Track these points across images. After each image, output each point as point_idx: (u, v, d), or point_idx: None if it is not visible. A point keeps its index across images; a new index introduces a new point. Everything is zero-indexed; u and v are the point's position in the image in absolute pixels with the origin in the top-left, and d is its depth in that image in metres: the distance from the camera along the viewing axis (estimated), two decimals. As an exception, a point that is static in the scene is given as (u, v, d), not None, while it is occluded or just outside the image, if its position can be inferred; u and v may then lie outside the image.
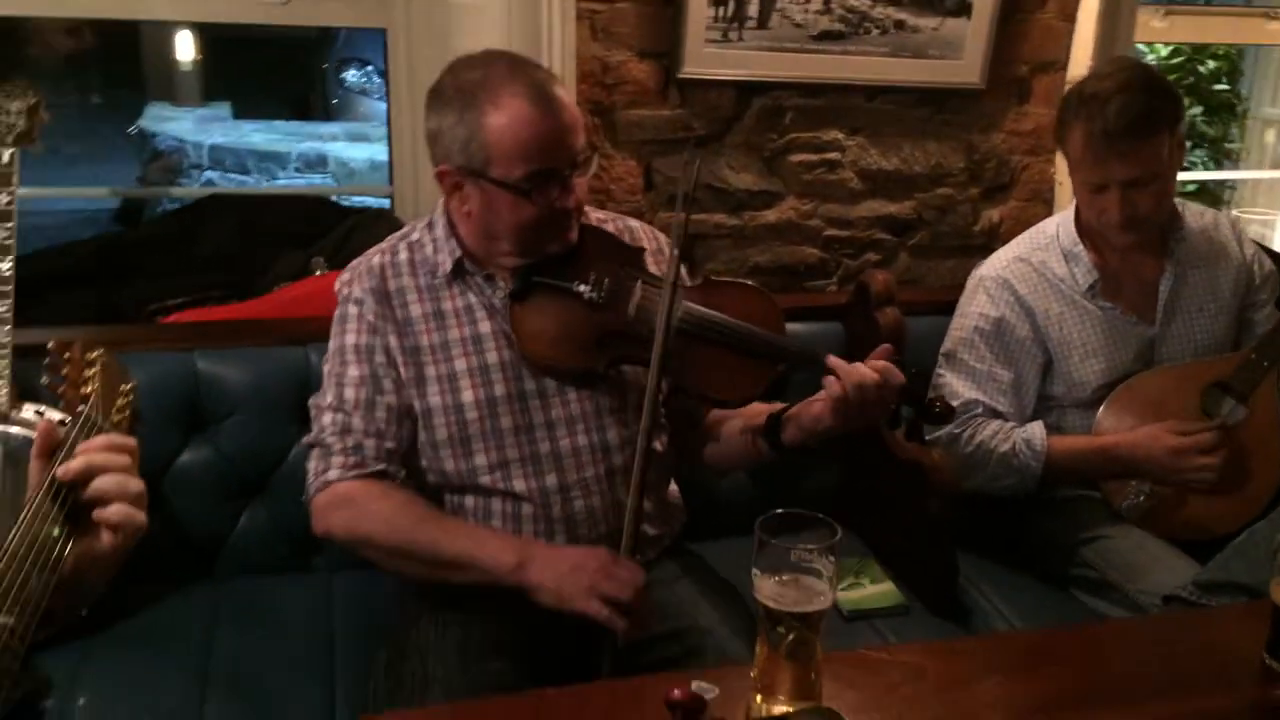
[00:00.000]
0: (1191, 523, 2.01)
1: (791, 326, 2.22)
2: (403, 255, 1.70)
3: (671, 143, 2.39)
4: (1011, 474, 2.03)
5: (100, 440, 1.05)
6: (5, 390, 1.79)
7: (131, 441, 1.07)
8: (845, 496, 2.29)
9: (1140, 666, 1.37)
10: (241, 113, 7.63)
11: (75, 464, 1.01)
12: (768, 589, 1.15)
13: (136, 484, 1.02)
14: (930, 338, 2.19)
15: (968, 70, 2.50)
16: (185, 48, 7.16)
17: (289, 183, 6.74)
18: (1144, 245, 2.07)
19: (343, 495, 1.60)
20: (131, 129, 7.39)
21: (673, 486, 1.89)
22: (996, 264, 2.14)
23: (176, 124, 7.41)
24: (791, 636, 1.15)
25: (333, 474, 1.60)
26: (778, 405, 1.70)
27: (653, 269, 1.71)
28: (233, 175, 6.84)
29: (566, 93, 1.61)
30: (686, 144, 2.39)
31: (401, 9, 2.37)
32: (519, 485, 1.65)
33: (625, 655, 1.47)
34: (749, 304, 1.69)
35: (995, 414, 2.08)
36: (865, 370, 1.57)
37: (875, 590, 2.03)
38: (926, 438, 2.06)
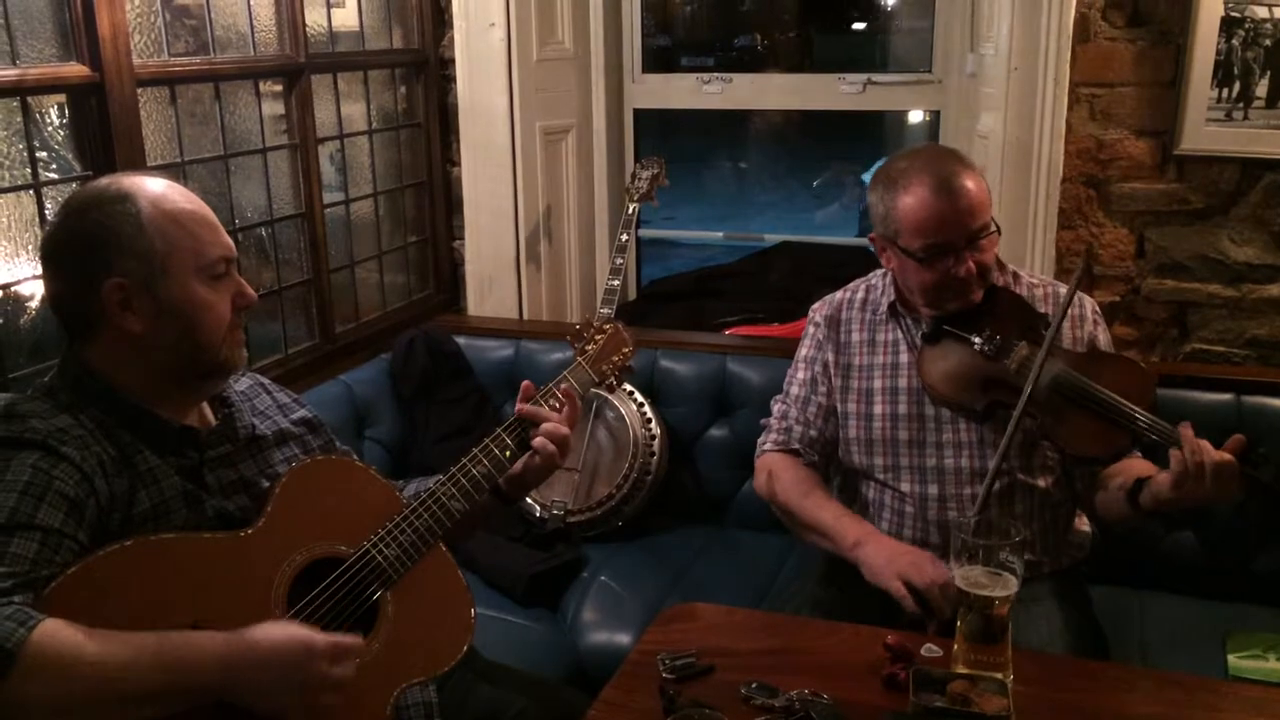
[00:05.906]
0: None
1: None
2: (858, 294, 2.20)
3: (1166, 214, 2.53)
4: None
5: (557, 414, 1.69)
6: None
7: (572, 416, 1.70)
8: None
9: None
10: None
11: (528, 409, 1.67)
12: (960, 575, 1.49)
13: (564, 432, 1.66)
14: None
15: None
16: (915, 112, 8.05)
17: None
18: None
19: (767, 462, 2.17)
20: (818, 183, 8.48)
21: (1080, 525, 2.12)
22: None
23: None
24: (970, 614, 1.47)
25: (767, 445, 2.19)
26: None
27: (1066, 333, 2.00)
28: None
29: (975, 182, 1.93)
30: (1183, 215, 2.53)
31: (953, 95, 2.96)
32: (905, 487, 2.06)
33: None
34: (1121, 377, 1.91)
35: None
36: (1205, 451, 1.70)
37: (1276, 666, 2.03)
38: None
